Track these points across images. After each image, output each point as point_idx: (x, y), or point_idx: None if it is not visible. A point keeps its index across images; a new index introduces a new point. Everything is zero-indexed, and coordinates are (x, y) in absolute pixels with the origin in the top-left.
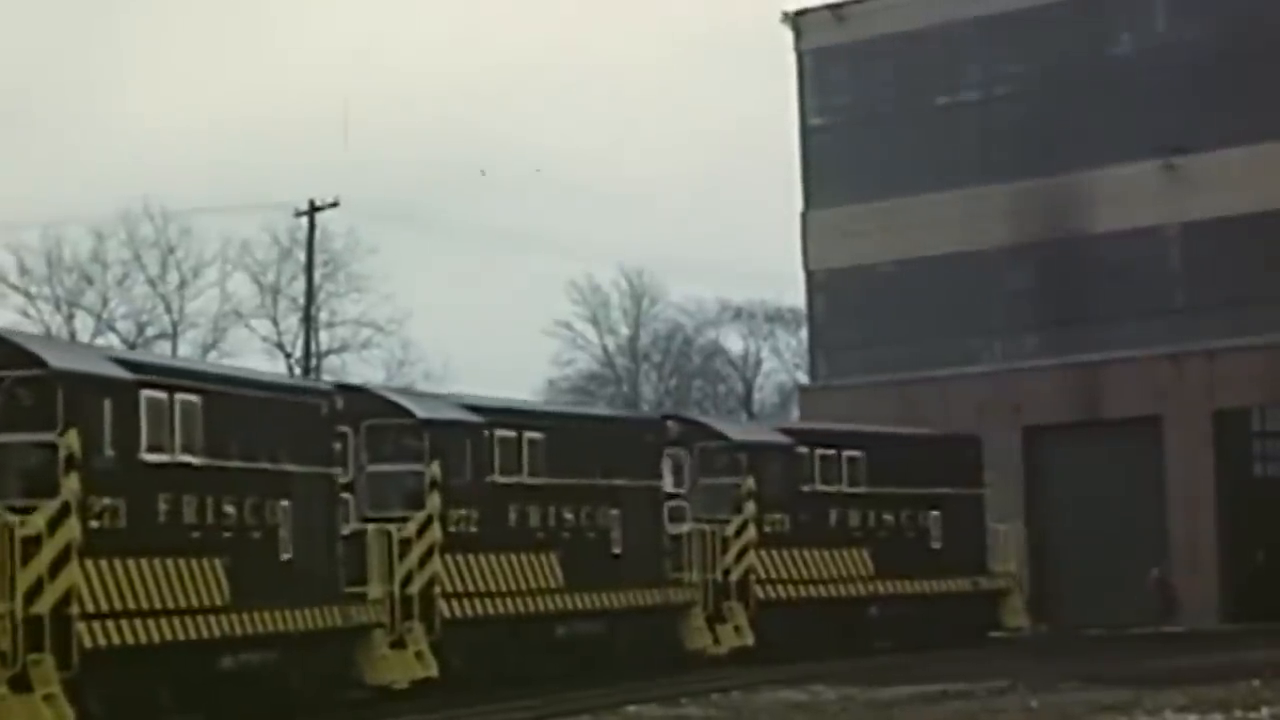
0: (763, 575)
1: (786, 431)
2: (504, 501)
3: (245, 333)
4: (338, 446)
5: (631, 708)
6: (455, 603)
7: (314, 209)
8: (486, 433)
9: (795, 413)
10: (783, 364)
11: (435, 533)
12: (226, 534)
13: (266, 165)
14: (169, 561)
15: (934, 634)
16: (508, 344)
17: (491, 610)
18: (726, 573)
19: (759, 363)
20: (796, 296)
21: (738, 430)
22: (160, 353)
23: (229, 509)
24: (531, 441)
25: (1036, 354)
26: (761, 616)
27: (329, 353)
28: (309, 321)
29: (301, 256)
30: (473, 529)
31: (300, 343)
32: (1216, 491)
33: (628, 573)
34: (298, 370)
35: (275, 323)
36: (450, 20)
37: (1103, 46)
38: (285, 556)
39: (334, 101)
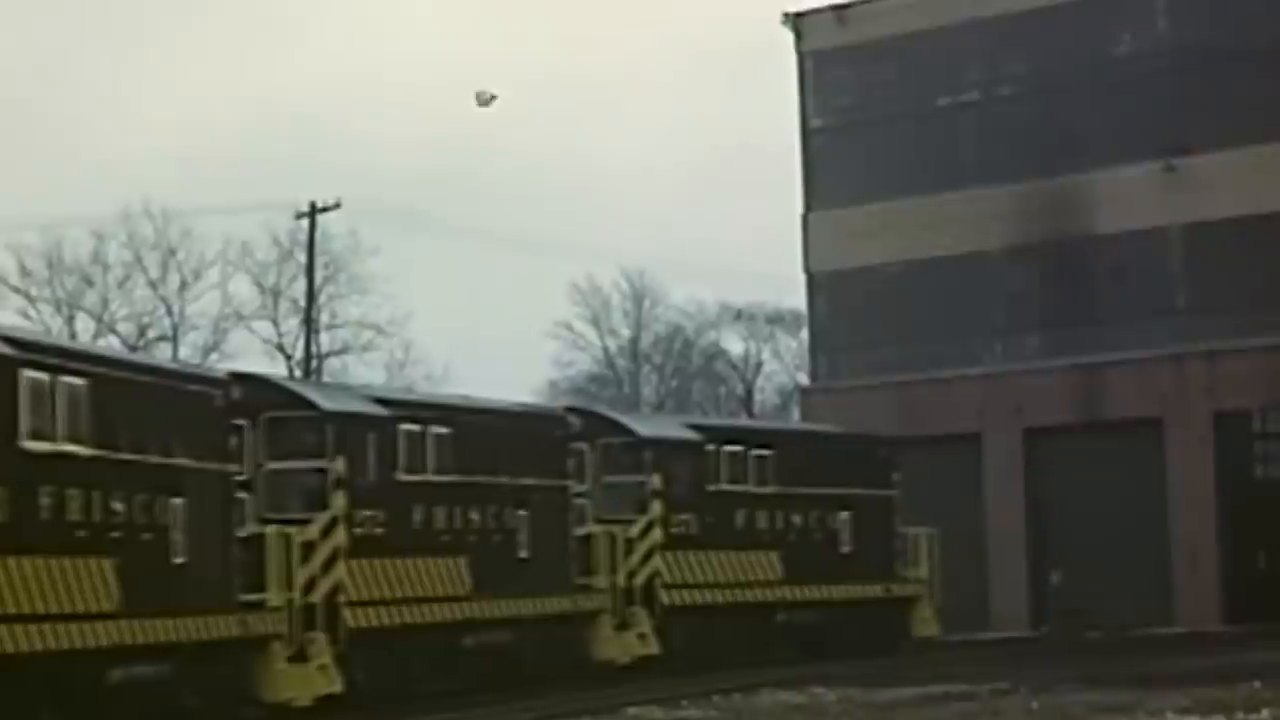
0: (668, 579)
1: (694, 427)
2: (409, 501)
3: (246, 335)
4: (234, 441)
5: (632, 709)
6: (361, 611)
7: (315, 210)
8: (391, 427)
9: (796, 414)
10: (783, 366)
11: (340, 535)
12: (115, 533)
13: (267, 166)
14: (53, 562)
15: (844, 641)
16: (509, 345)
17: (399, 619)
18: (631, 576)
19: (759, 364)
20: (797, 298)
21: (643, 425)
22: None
23: (118, 506)
24: (438, 437)
25: (1037, 355)
26: (667, 623)
27: (330, 355)
28: (310, 323)
29: (302, 258)
30: (378, 531)
31: (301, 344)
32: (1217, 493)
33: (535, 578)
34: (298, 372)
35: (276, 324)
36: (452, 22)
37: (1104, 47)
38: (178, 560)
39: (335, 102)
